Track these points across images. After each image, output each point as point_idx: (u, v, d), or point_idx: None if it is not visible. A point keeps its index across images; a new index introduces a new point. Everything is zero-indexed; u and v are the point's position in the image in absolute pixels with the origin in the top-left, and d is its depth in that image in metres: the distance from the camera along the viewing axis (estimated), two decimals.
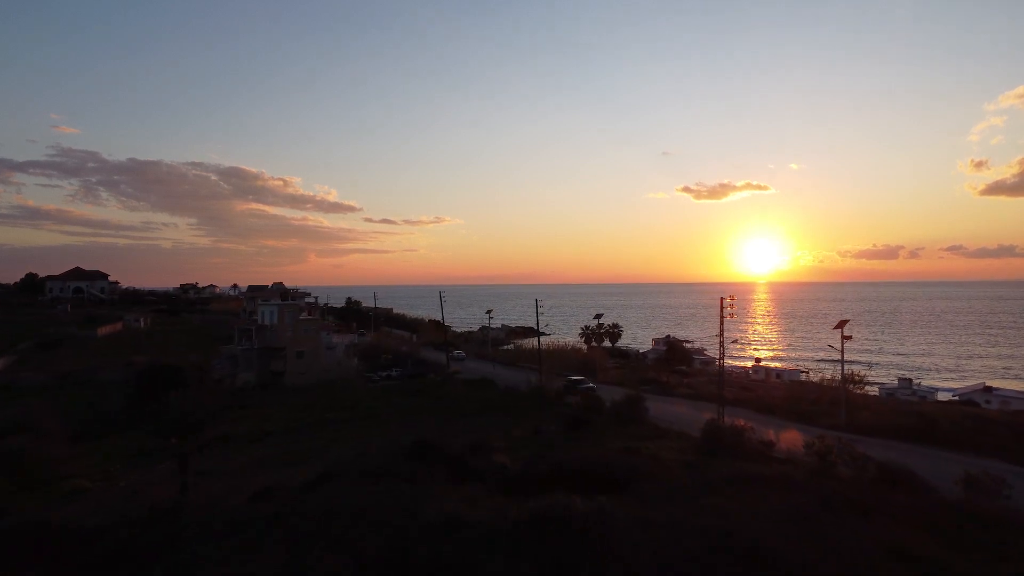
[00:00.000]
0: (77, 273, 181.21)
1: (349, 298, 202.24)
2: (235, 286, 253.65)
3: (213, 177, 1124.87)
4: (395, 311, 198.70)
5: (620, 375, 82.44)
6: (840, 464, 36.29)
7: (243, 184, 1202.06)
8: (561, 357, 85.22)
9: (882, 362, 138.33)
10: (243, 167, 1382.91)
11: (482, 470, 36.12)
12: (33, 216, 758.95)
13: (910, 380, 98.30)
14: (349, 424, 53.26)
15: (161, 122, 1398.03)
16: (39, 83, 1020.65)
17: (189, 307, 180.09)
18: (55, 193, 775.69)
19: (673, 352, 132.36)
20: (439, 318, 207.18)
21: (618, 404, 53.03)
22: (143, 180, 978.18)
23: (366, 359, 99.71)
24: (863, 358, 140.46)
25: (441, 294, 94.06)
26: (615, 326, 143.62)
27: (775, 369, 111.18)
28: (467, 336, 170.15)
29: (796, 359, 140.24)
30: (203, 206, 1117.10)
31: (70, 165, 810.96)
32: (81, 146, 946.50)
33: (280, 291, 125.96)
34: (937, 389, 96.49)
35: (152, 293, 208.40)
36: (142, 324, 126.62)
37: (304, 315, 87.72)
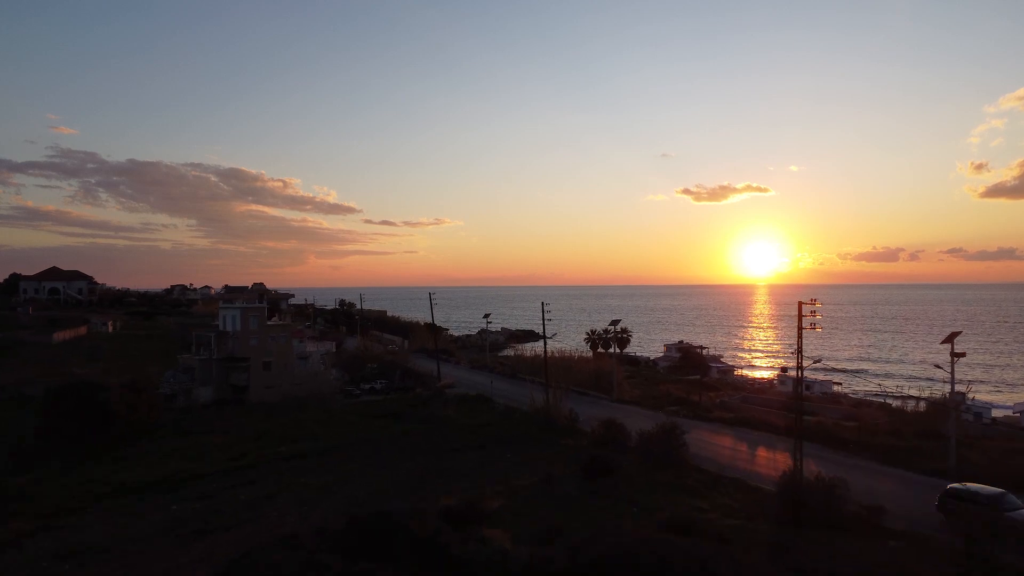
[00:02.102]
0: (54, 273, 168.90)
1: (342, 300, 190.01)
2: (226, 287, 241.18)
3: (212, 178, 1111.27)
4: (389, 314, 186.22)
5: (639, 392, 70.10)
6: (1002, 549, 24.16)
7: (242, 185, 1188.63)
8: (568, 367, 72.85)
9: (908, 372, 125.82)
10: (242, 168, 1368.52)
11: (468, 561, 23.99)
12: (32, 217, 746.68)
13: (962, 394, 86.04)
14: (303, 464, 40.95)
15: (160, 123, 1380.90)
16: (37, 83, 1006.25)
17: (172, 309, 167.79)
18: (54, 194, 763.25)
19: (688, 359, 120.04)
20: (432, 322, 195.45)
21: (649, 438, 40.71)
22: (142, 181, 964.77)
23: (349, 369, 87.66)
24: (897, 369, 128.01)
25: (431, 295, 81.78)
26: (624, 330, 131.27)
27: (803, 380, 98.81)
28: (464, 340, 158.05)
29: (815, 368, 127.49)
30: (202, 207, 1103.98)
31: (69, 166, 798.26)
32: (80, 147, 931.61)
33: (260, 292, 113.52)
34: (992, 405, 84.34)
35: (133, 294, 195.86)
36: (109, 328, 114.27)
37: (275, 319, 75.59)
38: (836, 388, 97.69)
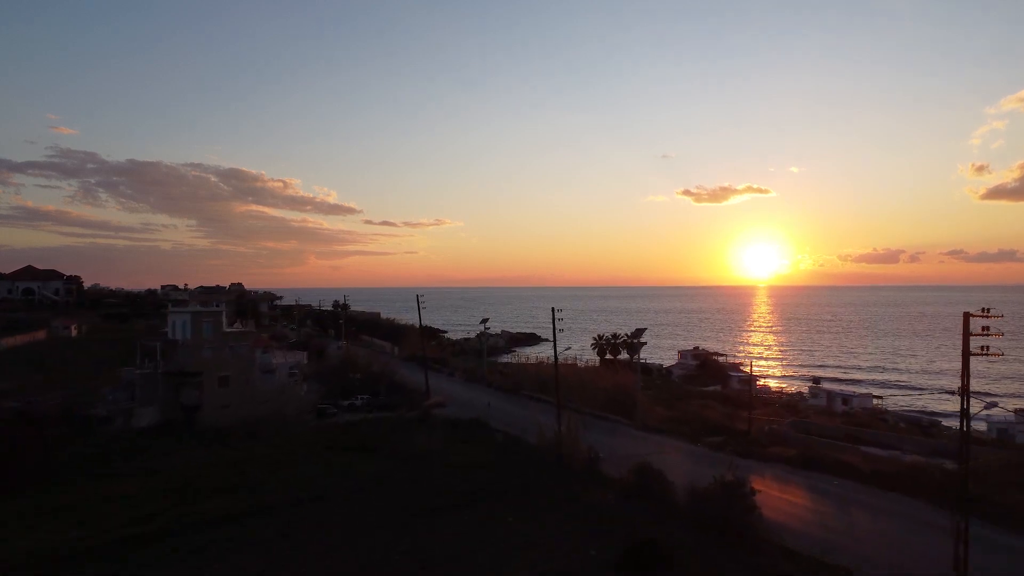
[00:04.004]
0: (29, 272, 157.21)
1: (336, 301, 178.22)
2: (217, 287, 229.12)
3: (213, 178, 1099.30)
4: (384, 315, 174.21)
5: (663, 411, 58.18)
6: None
7: (242, 185, 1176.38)
8: (580, 384, 60.91)
9: (939, 385, 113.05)
10: (243, 168, 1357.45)
11: None
12: (32, 217, 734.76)
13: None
14: (226, 535, 29.12)
15: (160, 123, 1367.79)
16: (37, 83, 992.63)
17: (155, 311, 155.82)
18: (54, 194, 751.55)
19: (706, 368, 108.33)
20: (430, 325, 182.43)
21: (705, 499, 28.91)
22: (142, 181, 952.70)
23: (333, 378, 76.12)
24: (930, 381, 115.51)
25: (419, 298, 69.98)
26: (635, 335, 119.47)
27: (839, 392, 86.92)
28: (463, 344, 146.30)
29: (836, 379, 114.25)
30: (203, 207, 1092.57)
31: (69, 166, 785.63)
32: (80, 147, 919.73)
33: (238, 293, 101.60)
34: None
35: (119, 294, 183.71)
36: (72, 332, 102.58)
37: (236, 325, 63.89)
38: (876, 403, 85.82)
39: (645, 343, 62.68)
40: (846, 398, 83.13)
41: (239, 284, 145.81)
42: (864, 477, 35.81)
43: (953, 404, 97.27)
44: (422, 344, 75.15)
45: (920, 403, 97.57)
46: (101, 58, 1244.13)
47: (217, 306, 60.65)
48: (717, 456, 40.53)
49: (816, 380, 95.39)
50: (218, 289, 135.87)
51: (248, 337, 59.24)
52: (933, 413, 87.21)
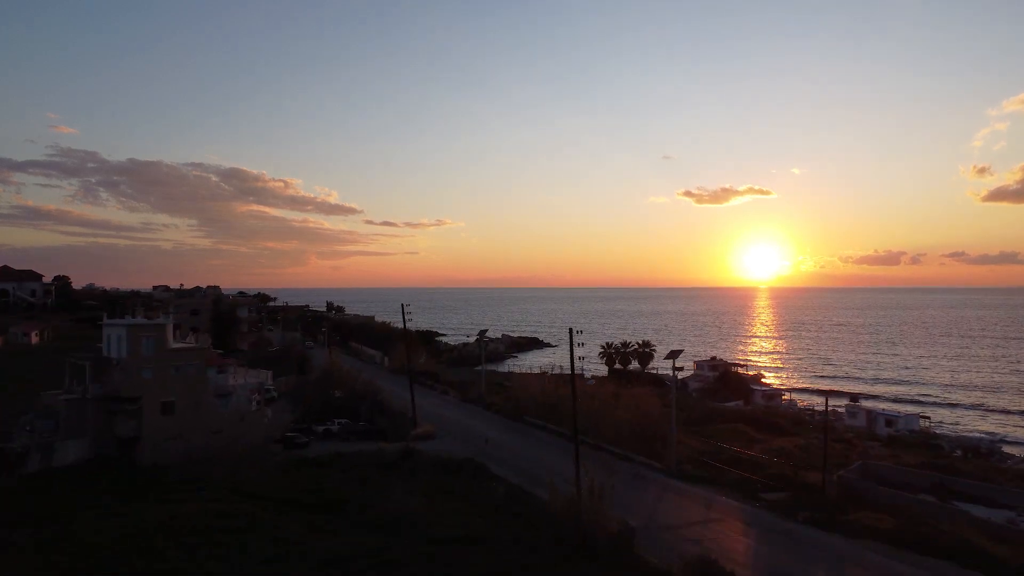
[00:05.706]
0: (4, 273, 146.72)
1: (329, 303, 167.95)
2: (211, 287, 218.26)
3: (213, 178, 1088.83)
4: (380, 318, 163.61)
5: (699, 449, 47.36)
6: None
7: (244, 185, 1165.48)
8: (597, 411, 49.91)
9: (974, 400, 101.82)
10: (244, 168, 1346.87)
11: None
12: (33, 216, 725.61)
13: None
14: None
15: (161, 123, 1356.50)
16: (37, 83, 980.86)
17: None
18: (55, 193, 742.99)
19: (726, 382, 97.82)
20: (428, 328, 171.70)
21: None
22: (143, 181, 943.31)
23: (311, 394, 65.82)
24: (963, 396, 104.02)
25: (404, 307, 59.49)
26: (646, 344, 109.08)
27: (881, 412, 76.07)
28: (461, 351, 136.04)
29: (864, 395, 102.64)
30: (203, 207, 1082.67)
31: (69, 165, 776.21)
32: (80, 146, 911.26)
33: (215, 297, 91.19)
34: None
35: (111, 295, 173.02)
36: (32, 339, 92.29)
37: (189, 339, 53.39)
38: (923, 424, 75.13)
39: (682, 368, 51.99)
40: (890, 419, 72.52)
41: (215, 287, 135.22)
42: (1007, 569, 25.21)
43: (999, 424, 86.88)
44: (408, 359, 64.53)
45: (963, 421, 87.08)
46: (101, 58, 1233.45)
47: (162, 316, 50.06)
48: (792, 530, 29.96)
49: (854, 397, 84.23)
50: (195, 291, 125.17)
51: (198, 355, 48.67)
52: (983, 434, 76.54)
